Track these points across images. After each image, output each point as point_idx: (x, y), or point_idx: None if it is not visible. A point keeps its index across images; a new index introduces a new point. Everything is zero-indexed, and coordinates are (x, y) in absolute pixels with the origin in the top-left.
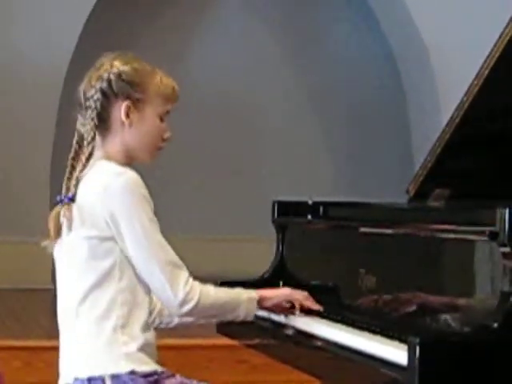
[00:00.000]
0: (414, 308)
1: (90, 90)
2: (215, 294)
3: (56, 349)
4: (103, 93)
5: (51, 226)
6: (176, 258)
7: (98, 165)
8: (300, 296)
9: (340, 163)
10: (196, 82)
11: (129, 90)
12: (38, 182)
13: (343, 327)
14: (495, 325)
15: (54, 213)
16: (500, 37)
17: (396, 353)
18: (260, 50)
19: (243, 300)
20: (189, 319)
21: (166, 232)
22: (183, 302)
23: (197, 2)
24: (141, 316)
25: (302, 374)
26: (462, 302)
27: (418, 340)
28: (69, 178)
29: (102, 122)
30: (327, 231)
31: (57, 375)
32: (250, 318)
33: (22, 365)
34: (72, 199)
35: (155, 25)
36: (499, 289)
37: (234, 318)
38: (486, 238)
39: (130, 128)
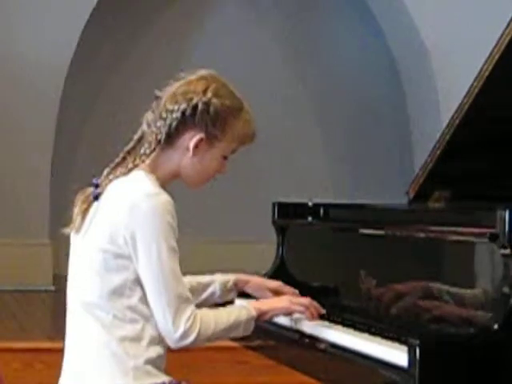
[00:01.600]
0: (413, 309)
1: (173, 103)
2: (215, 324)
3: (56, 350)
4: (183, 116)
5: (76, 209)
6: (185, 292)
7: (136, 175)
8: (299, 308)
9: (340, 165)
10: None
11: (209, 124)
12: (38, 183)
13: (343, 329)
14: (495, 326)
15: (85, 196)
16: (500, 38)
17: (396, 354)
18: (260, 52)
19: (242, 321)
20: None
21: None
22: (181, 339)
23: (197, 4)
24: (150, 332)
25: (301, 375)
26: (461, 303)
27: (418, 341)
28: (110, 170)
29: (169, 140)
30: (327, 233)
31: (57, 377)
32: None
33: (22, 366)
34: (96, 197)
35: (156, 25)
36: (499, 290)
37: (233, 337)
38: (486, 240)
39: (193, 157)
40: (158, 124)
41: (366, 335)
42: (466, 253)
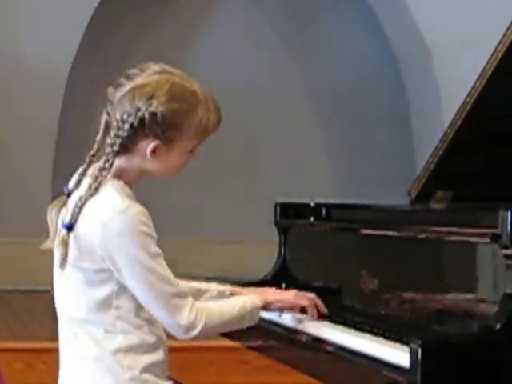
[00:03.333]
0: (416, 310)
1: (121, 113)
2: (220, 314)
3: (57, 350)
4: (133, 128)
5: (50, 219)
6: (179, 289)
7: (105, 191)
8: (304, 302)
9: (342, 165)
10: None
11: (160, 131)
12: (39, 183)
13: (345, 329)
14: (497, 326)
15: (55, 206)
16: (503, 37)
17: (398, 355)
18: (261, 52)
19: (248, 311)
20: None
21: (167, 234)
22: (188, 331)
23: (199, 3)
24: (144, 340)
25: (303, 375)
26: (464, 303)
27: (419, 342)
28: (79, 178)
29: (125, 148)
30: (329, 233)
31: (58, 376)
32: (254, 324)
33: (24, 366)
34: (70, 228)
35: (156, 27)
36: (501, 291)
37: (239, 327)
38: (488, 240)
39: (154, 161)
40: (112, 134)
41: (367, 335)
42: (467, 253)
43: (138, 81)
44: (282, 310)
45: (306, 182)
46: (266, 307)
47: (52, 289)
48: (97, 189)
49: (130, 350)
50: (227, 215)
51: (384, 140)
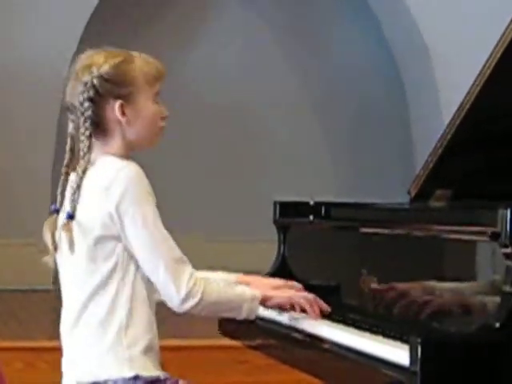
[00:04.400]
0: (415, 308)
1: (77, 97)
2: (219, 290)
3: (58, 349)
4: (91, 100)
5: (47, 238)
6: (180, 253)
7: (100, 161)
8: (303, 300)
9: (341, 164)
10: (197, 84)
11: (116, 88)
12: (38, 183)
13: (345, 327)
14: (497, 325)
15: (48, 223)
16: (501, 38)
17: (398, 353)
18: (261, 52)
19: (247, 298)
20: None
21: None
22: (186, 299)
23: (198, 3)
24: (144, 316)
25: (302, 374)
26: (463, 302)
27: (419, 340)
28: (62, 190)
29: (98, 128)
30: (329, 232)
31: (59, 376)
32: (252, 317)
33: (24, 366)
34: (71, 216)
35: (156, 27)
36: (501, 289)
37: (236, 315)
38: (487, 239)
39: (129, 125)
40: (81, 123)
41: (367, 334)
42: (467, 252)
43: (76, 67)
44: (279, 306)
45: (307, 182)
46: (265, 301)
47: (52, 289)
48: (84, 172)
49: (131, 327)
50: (226, 214)
51: (383, 139)
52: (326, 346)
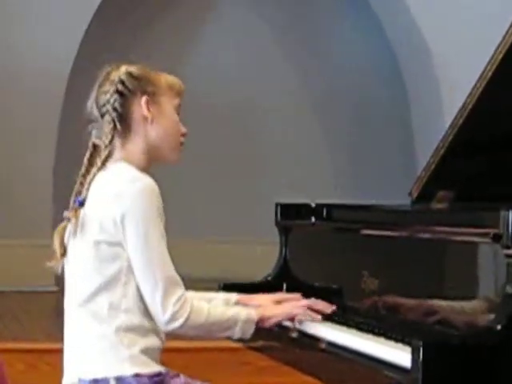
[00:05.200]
0: (417, 310)
1: (104, 96)
2: (208, 314)
3: (60, 351)
4: (120, 93)
5: (57, 244)
6: (174, 274)
7: (116, 167)
8: (301, 311)
9: (343, 165)
10: (197, 85)
11: (143, 85)
12: (40, 184)
13: (346, 329)
14: (498, 327)
15: (59, 229)
16: (502, 40)
17: (399, 355)
18: (262, 52)
19: (240, 320)
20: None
21: (168, 234)
22: (169, 321)
23: (198, 4)
24: (145, 322)
25: (304, 376)
26: (465, 304)
27: (421, 342)
28: (81, 183)
29: (123, 122)
30: (330, 233)
31: (61, 378)
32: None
33: (26, 367)
34: (82, 203)
35: (156, 28)
36: (502, 291)
37: (230, 335)
38: (489, 240)
39: (152, 124)
40: (105, 120)
41: (369, 336)
42: (469, 253)
43: (100, 78)
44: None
45: (309, 184)
46: (261, 322)
47: (54, 290)
48: (104, 164)
49: (131, 329)
50: (228, 215)
51: (385, 140)
52: (328, 347)
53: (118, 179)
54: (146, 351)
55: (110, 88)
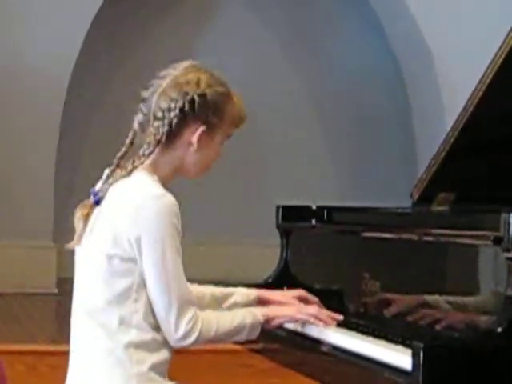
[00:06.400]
0: (418, 313)
1: (167, 101)
2: (217, 327)
3: (61, 353)
4: (182, 112)
5: (78, 223)
6: (188, 292)
7: (138, 177)
8: (305, 317)
9: (344, 168)
10: None
11: (209, 114)
12: (42, 186)
13: (347, 332)
14: (499, 330)
15: (82, 207)
16: (504, 42)
17: (400, 358)
18: (261, 53)
19: (247, 325)
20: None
21: None
22: (181, 339)
23: (199, 6)
24: (156, 336)
25: (306, 378)
26: (465, 306)
27: (422, 345)
28: (108, 176)
29: (169, 139)
30: (331, 236)
31: (61, 380)
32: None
33: (27, 369)
34: (98, 202)
35: (157, 30)
36: (503, 294)
37: (238, 340)
38: (490, 243)
39: (195, 152)
40: (156, 124)
41: (370, 338)
42: (469, 256)
43: (176, 73)
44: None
45: (310, 186)
46: (267, 322)
47: (54, 292)
48: (131, 172)
49: (142, 346)
50: (229, 217)
51: (386, 143)
52: (329, 349)
53: (139, 192)
54: (154, 367)
55: (177, 98)
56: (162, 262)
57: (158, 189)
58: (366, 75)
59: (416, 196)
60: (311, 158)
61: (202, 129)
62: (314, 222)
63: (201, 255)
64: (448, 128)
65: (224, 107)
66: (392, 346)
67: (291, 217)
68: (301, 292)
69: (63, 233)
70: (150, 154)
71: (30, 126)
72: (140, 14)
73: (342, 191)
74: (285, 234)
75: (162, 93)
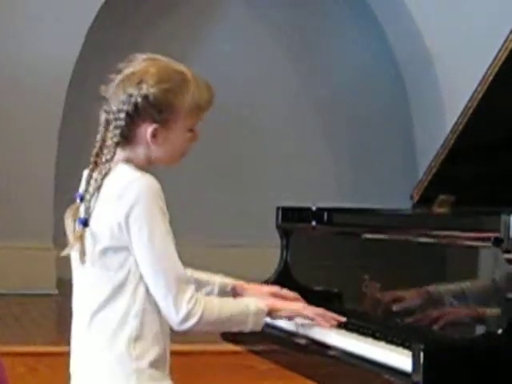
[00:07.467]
0: (418, 314)
1: (116, 104)
2: (220, 308)
3: (61, 354)
4: (129, 115)
5: (69, 227)
6: (184, 272)
7: (118, 169)
8: (311, 315)
9: (344, 169)
10: None
11: (156, 114)
12: (42, 187)
13: (347, 333)
14: (499, 331)
15: (71, 210)
16: (504, 43)
17: (400, 359)
18: (262, 53)
19: (251, 312)
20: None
21: None
22: (185, 319)
23: (199, 8)
24: (154, 326)
25: (306, 379)
26: (465, 308)
27: (422, 346)
28: (89, 179)
29: (125, 139)
30: (331, 237)
31: (61, 381)
32: (259, 329)
33: (27, 370)
34: (85, 223)
35: (157, 32)
36: (503, 295)
37: (242, 329)
38: (490, 244)
39: (157, 146)
40: (111, 127)
41: (370, 340)
42: (469, 257)
43: (127, 71)
44: (288, 319)
45: (310, 187)
46: (272, 312)
47: (54, 293)
48: (103, 179)
49: (141, 338)
50: (229, 219)
51: (386, 143)
52: (329, 351)
53: (119, 181)
54: (154, 363)
55: (124, 100)
56: (151, 244)
57: (137, 172)
58: (366, 76)
59: (416, 197)
60: (311, 158)
61: (153, 127)
62: (314, 223)
63: (201, 256)
64: (448, 128)
65: (173, 102)
66: (392, 347)
67: (291, 218)
68: (278, 289)
69: (63, 234)
70: (112, 157)
71: (30, 126)
72: (140, 14)
73: (342, 192)
74: (285, 235)
75: (113, 94)
